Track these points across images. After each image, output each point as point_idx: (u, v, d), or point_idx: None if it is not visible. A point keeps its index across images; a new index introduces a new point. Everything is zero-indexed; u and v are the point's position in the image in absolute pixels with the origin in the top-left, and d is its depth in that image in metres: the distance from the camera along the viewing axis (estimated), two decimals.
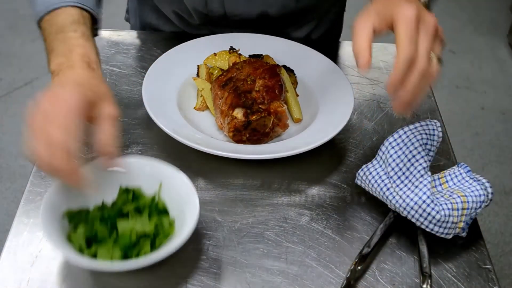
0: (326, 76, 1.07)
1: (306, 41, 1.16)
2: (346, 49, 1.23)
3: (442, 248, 0.83)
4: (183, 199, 0.79)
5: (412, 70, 0.74)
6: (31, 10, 0.91)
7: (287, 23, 1.21)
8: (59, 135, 0.72)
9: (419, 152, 0.82)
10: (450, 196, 0.82)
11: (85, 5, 0.88)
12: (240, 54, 1.08)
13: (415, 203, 0.80)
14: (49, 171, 0.73)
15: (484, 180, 0.84)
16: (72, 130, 0.73)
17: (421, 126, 0.85)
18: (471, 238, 0.84)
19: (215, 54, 1.08)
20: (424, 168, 0.82)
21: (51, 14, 0.87)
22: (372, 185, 0.85)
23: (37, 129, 0.73)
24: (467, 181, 0.85)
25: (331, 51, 1.23)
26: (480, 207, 0.82)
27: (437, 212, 0.79)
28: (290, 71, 1.08)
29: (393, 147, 0.84)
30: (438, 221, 0.79)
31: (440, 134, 0.86)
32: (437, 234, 0.81)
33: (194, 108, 1.03)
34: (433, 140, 0.85)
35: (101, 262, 0.74)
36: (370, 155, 0.97)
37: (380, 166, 0.86)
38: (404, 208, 0.81)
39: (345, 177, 0.93)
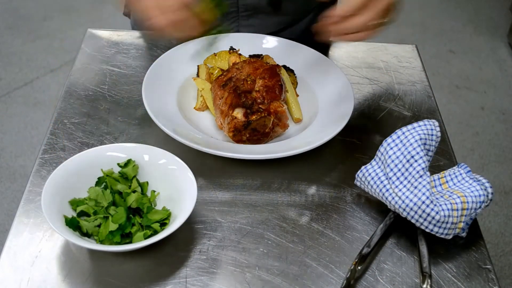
0: (326, 76, 1.07)
1: (306, 40, 1.16)
2: (346, 49, 1.23)
3: (442, 248, 0.83)
4: (181, 186, 0.82)
5: (352, 19, 0.89)
6: None
7: (294, 10, 1.21)
8: None
9: (417, 153, 0.82)
10: (450, 196, 0.82)
11: None
12: (240, 54, 1.08)
13: (415, 203, 0.80)
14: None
15: (484, 180, 0.84)
16: None
17: (420, 126, 0.85)
18: (471, 238, 0.84)
19: (215, 54, 1.08)
20: (423, 168, 0.82)
21: None
22: (371, 186, 0.85)
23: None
24: (467, 181, 0.85)
25: (331, 51, 1.23)
26: (480, 207, 0.82)
27: (437, 213, 0.79)
28: (290, 71, 1.08)
29: (391, 148, 0.84)
30: (438, 221, 0.79)
31: (439, 134, 0.85)
32: (437, 235, 0.81)
33: (194, 108, 1.03)
34: (432, 140, 0.85)
35: (100, 244, 0.77)
36: (370, 155, 0.97)
37: (379, 167, 0.85)
38: (404, 209, 0.81)
39: (345, 177, 0.93)
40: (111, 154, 0.85)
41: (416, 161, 0.82)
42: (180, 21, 0.94)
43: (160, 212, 0.81)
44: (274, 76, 0.98)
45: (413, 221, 0.81)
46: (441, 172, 0.89)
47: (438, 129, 0.85)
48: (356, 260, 0.79)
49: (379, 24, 0.92)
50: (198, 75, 1.07)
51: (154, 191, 0.84)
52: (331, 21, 0.91)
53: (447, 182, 0.87)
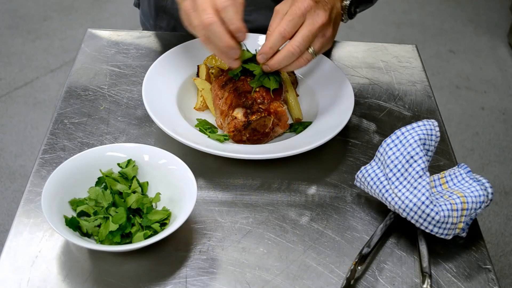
0: (326, 76, 1.07)
1: None
2: (346, 49, 1.23)
3: (442, 248, 0.83)
4: (181, 185, 0.82)
5: (284, 49, 0.89)
6: None
7: None
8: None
9: (417, 153, 0.82)
10: (450, 196, 0.82)
11: None
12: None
13: (414, 204, 0.80)
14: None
15: (484, 181, 0.84)
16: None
17: (419, 126, 0.85)
18: (471, 238, 0.84)
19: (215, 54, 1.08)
20: (422, 169, 0.82)
21: None
22: (371, 187, 0.85)
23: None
24: (467, 182, 0.85)
25: (331, 51, 1.23)
26: (480, 207, 0.82)
27: (436, 213, 0.79)
28: (290, 71, 1.08)
29: (391, 148, 0.84)
30: (438, 222, 0.79)
31: (438, 134, 0.85)
32: (437, 235, 0.81)
33: (194, 108, 1.03)
34: (431, 140, 0.85)
35: (100, 244, 0.77)
36: (370, 155, 0.97)
37: (379, 167, 0.85)
38: (404, 210, 0.81)
39: (345, 177, 0.93)
40: (111, 154, 0.85)
41: (415, 161, 0.82)
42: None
43: (160, 213, 0.81)
44: None
45: (413, 221, 0.81)
46: (441, 172, 0.89)
47: (437, 129, 0.85)
48: (356, 260, 0.79)
49: (311, 54, 0.91)
50: (198, 75, 1.07)
51: (159, 193, 0.83)
52: (263, 58, 0.92)
53: (447, 182, 0.87)
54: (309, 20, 0.88)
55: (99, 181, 0.83)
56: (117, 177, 0.84)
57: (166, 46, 1.16)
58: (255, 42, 1.13)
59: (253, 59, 0.97)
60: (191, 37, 1.15)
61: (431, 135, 0.85)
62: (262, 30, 1.17)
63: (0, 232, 2.02)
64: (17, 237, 0.81)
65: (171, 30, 1.29)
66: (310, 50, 0.90)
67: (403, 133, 0.84)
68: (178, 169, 0.83)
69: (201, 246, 0.81)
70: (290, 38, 0.90)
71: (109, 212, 0.80)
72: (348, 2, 0.94)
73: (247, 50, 0.97)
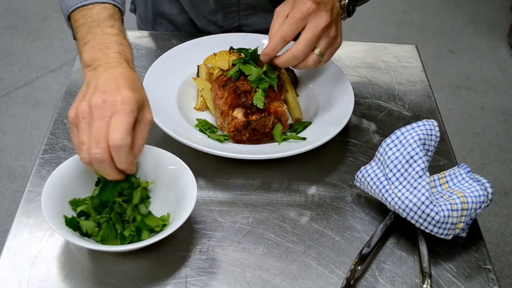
0: (326, 76, 1.07)
1: None
2: (346, 49, 1.23)
3: (442, 248, 0.83)
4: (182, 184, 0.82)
5: (287, 52, 0.90)
6: (60, 4, 0.90)
7: None
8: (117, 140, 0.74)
9: (417, 153, 0.82)
10: (450, 196, 0.82)
11: (116, 1, 0.88)
12: (240, 54, 1.08)
13: (414, 204, 0.80)
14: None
15: (484, 181, 0.84)
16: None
17: (419, 126, 0.85)
18: (471, 238, 0.84)
19: (215, 54, 1.08)
20: (422, 169, 0.82)
21: (84, 7, 0.87)
22: (371, 187, 0.85)
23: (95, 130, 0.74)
24: (467, 182, 0.85)
25: None
26: (480, 207, 0.82)
27: (436, 213, 0.79)
28: (290, 71, 1.08)
29: (390, 149, 0.84)
30: (438, 222, 0.79)
31: (438, 134, 0.85)
32: (437, 235, 0.81)
33: (194, 108, 1.03)
34: (431, 140, 0.85)
35: (100, 244, 0.77)
36: (370, 155, 0.97)
37: (379, 167, 0.85)
38: (403, 210, 0.81)
39: (345, 177, 0.93)
40: None
41: (415, 161, 0.82)
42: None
43: (155, 220, 0.81)
44: None
45: (412, 221, 0.81)
46: (441, 172, 0.89)
47: (437, 129, 0.85)
48: (356, 260, 0.79)
49: (318, 55, 0.92)
50: (198, 75, 1.07)
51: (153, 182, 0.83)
52: (266, 59, 0.94)
53: (447, 182, 0.87)
54: (311, 23, 0.90)
55: (99, 181, 0.83)
56: None
57: (166, 46, 1.16)
58: (259, 42, 1.13)
59: (252, 57, 0.97)
60: (191, 37, 1.15)
61: (431, 135, 0.85)
62: (260, 33, 1.17)
63: (0, 232, 2.02)
64: (17, 237, 0.81)
65: None
66: (317, 51, 0.92)
67: (403, 133, 0.84)
68: (178, 169, 0.83)
69: (201, 246, 0.81)
70: (295, 40, 0.92)
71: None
72: (346, 1, 0.95)
73: (248, 50, 0.97)
